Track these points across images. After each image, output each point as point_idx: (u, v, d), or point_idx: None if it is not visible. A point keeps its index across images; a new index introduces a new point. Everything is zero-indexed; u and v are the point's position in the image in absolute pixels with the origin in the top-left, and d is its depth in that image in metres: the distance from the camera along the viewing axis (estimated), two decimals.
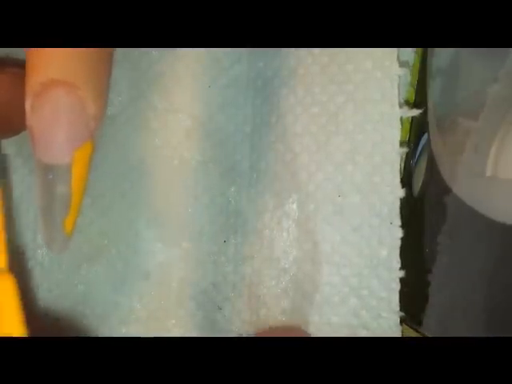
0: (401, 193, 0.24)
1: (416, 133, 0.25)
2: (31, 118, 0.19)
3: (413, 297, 0.25)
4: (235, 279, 0.25)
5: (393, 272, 0.24)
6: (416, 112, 0.25)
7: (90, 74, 0.19)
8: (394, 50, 0.24)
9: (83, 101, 0.19)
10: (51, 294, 0.26)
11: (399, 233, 0.24)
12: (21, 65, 0.20)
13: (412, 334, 0.25)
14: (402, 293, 0.24)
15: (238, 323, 0.25)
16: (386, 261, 0.24)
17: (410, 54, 0.25)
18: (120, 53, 0.25)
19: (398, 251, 0.24)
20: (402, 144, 0.25)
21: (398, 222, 0.24)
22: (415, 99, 0.25)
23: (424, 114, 0.25)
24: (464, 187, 0.23)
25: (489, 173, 0.22)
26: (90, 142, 0.19)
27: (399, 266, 0.24)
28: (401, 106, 0.25)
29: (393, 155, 0.24)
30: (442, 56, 0.24)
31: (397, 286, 0.24)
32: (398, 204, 0.24)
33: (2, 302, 0.20)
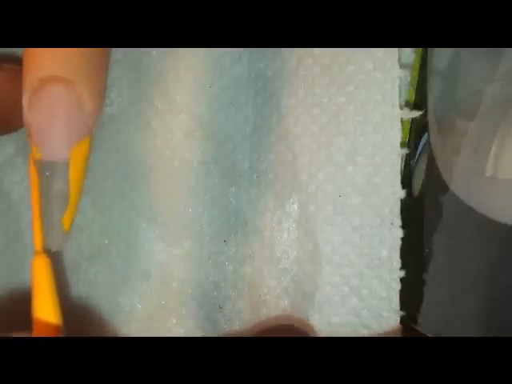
0: (401, 193, 0.24)
1: (416, 133, 0.25)
2: (28, 114, 0.19)
3: (413, 296, 0.25)
4: (236, 279, 0.25)
5: (393, 272, 0.24)
6: (416, 113, 0.25)
7: (87, 71, 0.19)
8: (395, 51, 0.24)
9: (80, 97, 0.19)
10: None
11: (400, 233, 0.24)
12: (18, 61, 0.20)
13: (412, 333, 0.25)
14: (402, 293, 0.24)
15: (239, 323, 0.25)
16: (386, 261, 0.24)
17: (410, 55, 0.25)
18: (120, 53, 0.25)
19: (398, 251, 0.24)
20: (402, 145, 0.25)
21: (399, 222, 0.24)
22: (415, 99, 0.25)
23: (424, 115, 0.25)
24: (463, 187, 0.23)
25: (488, 173, 0.22)
26: (87, 139, 0.19)
27: (399, 266, 0.24)
28: (401, 108, 0.25)
29: (393, 156, 0.24)
30: (441, 56, 0.24)
31: (397, 286, 0.24)
32: (398, 205, 0.25)
33: (39, 282, 0.20)
